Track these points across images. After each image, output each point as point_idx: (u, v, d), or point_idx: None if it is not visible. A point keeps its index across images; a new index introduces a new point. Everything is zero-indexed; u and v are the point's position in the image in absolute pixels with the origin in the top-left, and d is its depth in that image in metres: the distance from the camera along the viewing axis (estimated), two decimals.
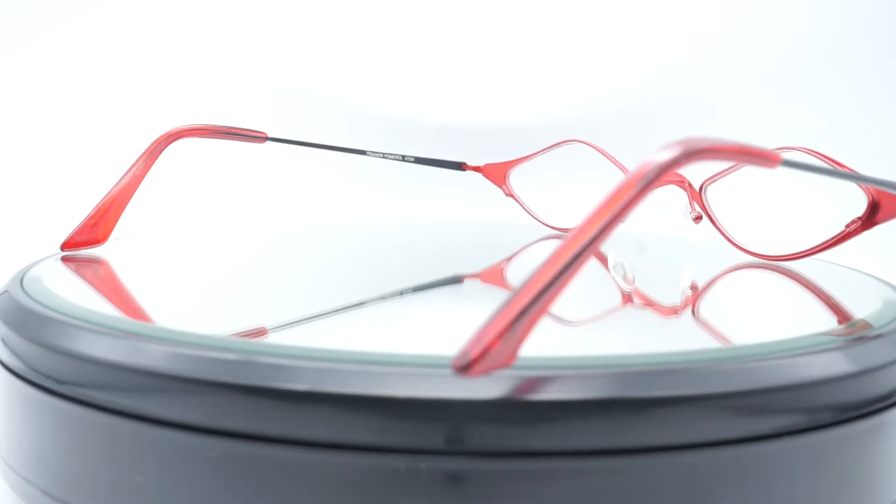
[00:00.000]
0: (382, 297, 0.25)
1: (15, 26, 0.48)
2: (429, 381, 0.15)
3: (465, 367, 0.14)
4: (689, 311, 0.25)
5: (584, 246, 0.15)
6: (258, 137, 0.32)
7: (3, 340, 0.20)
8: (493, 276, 0.30)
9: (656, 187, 0.15)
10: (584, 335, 0.23)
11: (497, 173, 0.37)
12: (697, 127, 0.48)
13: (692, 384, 0.16)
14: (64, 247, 0.27)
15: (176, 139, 0.29)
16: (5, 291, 0.21)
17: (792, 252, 0.27)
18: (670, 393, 0.16)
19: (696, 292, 0.27)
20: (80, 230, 0.27)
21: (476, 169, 0.37)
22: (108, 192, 0.28)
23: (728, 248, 0.29)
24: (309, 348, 0.17)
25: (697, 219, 0.29)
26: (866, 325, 0.20)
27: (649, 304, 0.25)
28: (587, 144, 0.33)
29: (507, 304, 0.15)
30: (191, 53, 0.49)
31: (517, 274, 0.30)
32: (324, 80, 0.49)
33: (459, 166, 0.37)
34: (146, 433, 0.16)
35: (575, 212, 0.33)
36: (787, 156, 0.17)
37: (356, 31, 0.49)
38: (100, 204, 0.28)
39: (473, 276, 0.29)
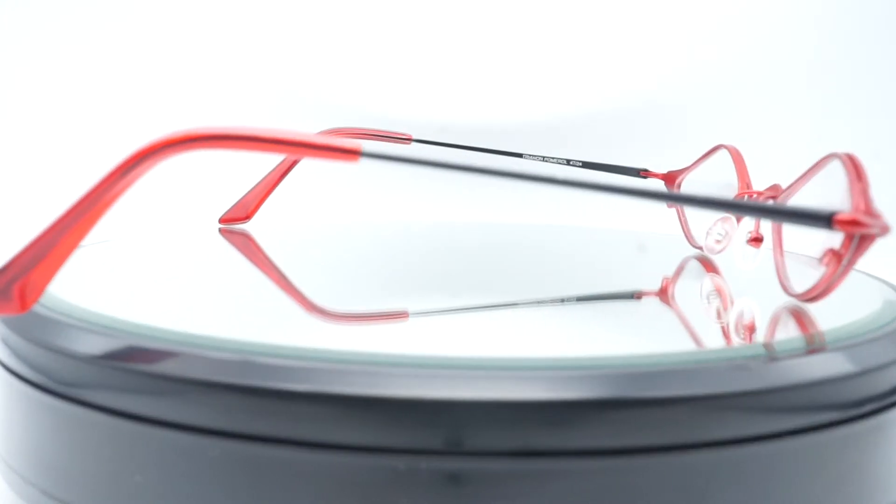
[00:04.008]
0: (539, 302, 0.25)
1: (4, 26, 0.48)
2: (429, 381, 0.15)
3: None
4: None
5: (67, 225, 0.17)
6: (404, 139, 0.34)
7: (3, 341, 0.20)
8: (662, 295, 0.27)
9: (139, 175, 0.17)
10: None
11: (672, 181, 0.33)
12: (697, 129, 0.48)
13: (692, 384, 0.16)
14: (222, 221, 0.33)
15: None
16: None
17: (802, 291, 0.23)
18: (670, 393, 0.16)
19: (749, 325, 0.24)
20: (234, 209, 0.33)
21: (659, 176, 0.33)
22: (260, 181, 0.33)
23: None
24: (309, 348, 0.17)
25: (754, 241, 0.25)
26: (821, 338, 0.20)
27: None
28: (728, 149, 0.29)
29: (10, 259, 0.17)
30: (191, 54, 0.49)
31: (685, 295, 0.27)
32: (323, 81, 0.49)
33: (638, 173, 0.32)
34: (146, 433, 0.16)
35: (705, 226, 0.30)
36: (366, 147, 0.17)
37: (355, 31, 0.49)
38: (251, 190, 0.33)
39: (650, 293, 0.26)
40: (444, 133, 0.48)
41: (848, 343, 0.18)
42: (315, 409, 0.16)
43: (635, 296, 0.26)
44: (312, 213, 0.46)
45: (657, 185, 0.32)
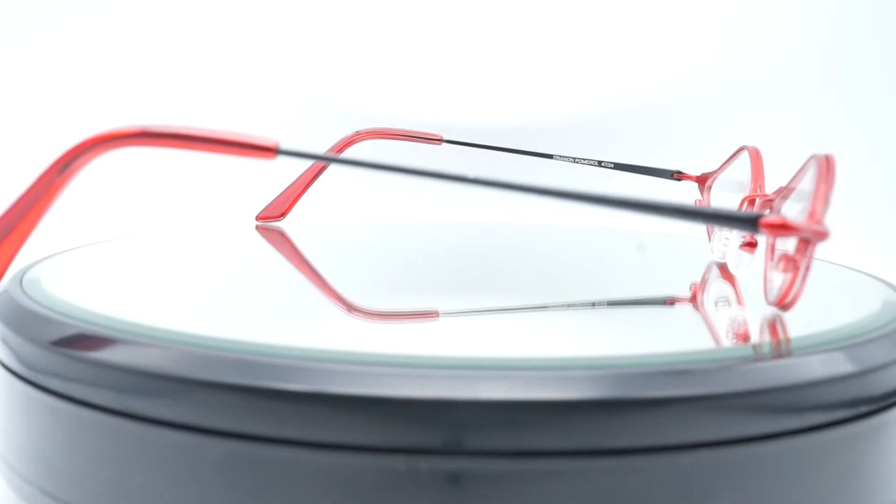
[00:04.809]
0: (570, 305, 0.24)
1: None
2: (429, 381, 0.15)
3: None
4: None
5: (11, 223, 0.18)
6: (435, 140, 0.35)
7: (2, 340, 0.20)
8: (693, 301, 0.26)
9: (77, 170, 0.18)
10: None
11: (703, 183, 0.31)
12: (697, 129, 0.48)
13: (692, 384, 0.16)
14: (258, 218, 0.34)
15: (360, 140, 0.35)
16: (4, 291, 0.21)
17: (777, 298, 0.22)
18: (670, 393, 0.16)
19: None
20: (270, 208, 0.34)
21: (692, 178, 0.31)
22: (294, 180, 0.34)
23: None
24: (309, 348, 0.17)
25: (747, 246, 0.24)
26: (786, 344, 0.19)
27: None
28: (748, 150, 0.28)
29: None
30: (191, 55, 0.49)
31: (716, 302, 0.26)
32: (322, 82, 0.49)
33: (672, 175, 0.31)
34: (146, 434, 0.16)
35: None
36: (283, 145, 0.18)
37: (355, 32, 0.49)
38: (286, 189, 0.34)
39: (683, 299, 0.26)
40: (445, 133, 0.48)
41: (848, 343, 0.18)
42: (315, 409, 0.16)
43: (668, 302, 0.26)
44: (347, 212, 0.46)
45: (686, 187, 0.31)
